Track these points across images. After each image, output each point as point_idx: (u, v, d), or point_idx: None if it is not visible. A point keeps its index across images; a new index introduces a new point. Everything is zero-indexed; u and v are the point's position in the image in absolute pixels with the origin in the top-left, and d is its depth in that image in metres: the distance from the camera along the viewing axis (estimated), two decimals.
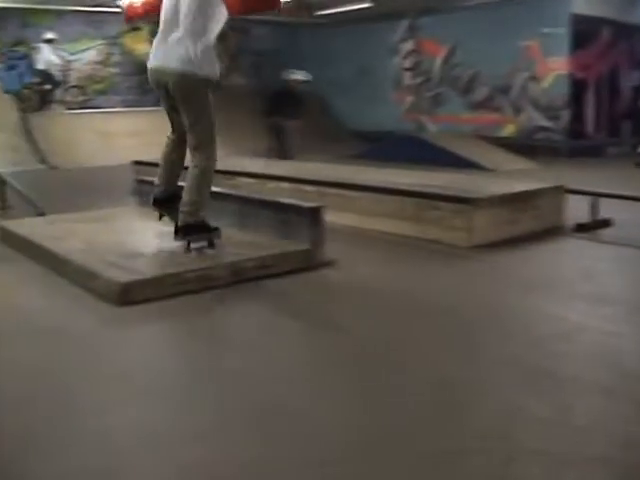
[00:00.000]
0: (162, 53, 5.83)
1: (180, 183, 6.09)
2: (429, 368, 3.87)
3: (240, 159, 11.45)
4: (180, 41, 5.65)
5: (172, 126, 6.18)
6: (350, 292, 5.46)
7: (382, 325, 4.65)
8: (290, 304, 5.19)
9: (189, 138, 5.86)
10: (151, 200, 6.35)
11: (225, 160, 12.01)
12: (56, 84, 18.24)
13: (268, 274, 5.60)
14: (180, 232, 5.81)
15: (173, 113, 6.01)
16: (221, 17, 5.71)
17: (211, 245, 5.84)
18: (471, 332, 4.50)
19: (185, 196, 5.78)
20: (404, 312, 4.93)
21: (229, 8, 5.74)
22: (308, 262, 5.86)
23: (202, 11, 5.64)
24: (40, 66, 17.89)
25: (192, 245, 5.82)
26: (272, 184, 8.64)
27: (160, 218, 6.34)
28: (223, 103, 19.61)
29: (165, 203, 6.22)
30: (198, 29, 5.63)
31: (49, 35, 17.69)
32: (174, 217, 5.91)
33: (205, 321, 4.81)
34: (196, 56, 5.59)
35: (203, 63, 5.65)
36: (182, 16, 5.67)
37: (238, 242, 6.08)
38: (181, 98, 5.74)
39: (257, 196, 7.03)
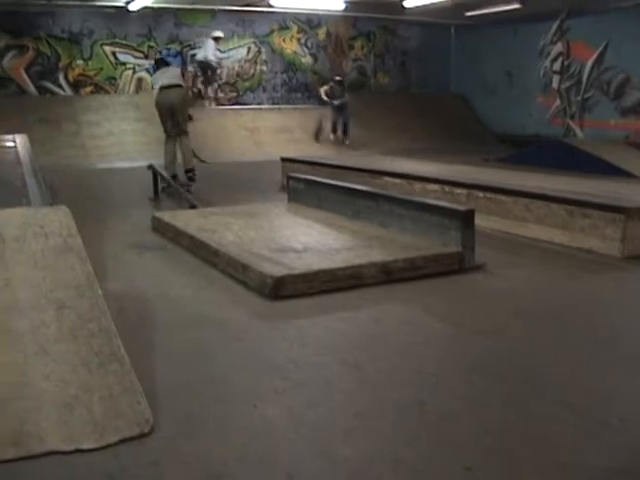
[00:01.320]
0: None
1: None
2: (580, 379, 3.79)
3: (386, 158, 11.48)
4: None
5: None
6: (500, 297, 5.40)
7: (534, 331, 4.58)
8: (439, 306, 5.15)
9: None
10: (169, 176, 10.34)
11: (370, 159, 12.18)
12: (214, 74, 18.77)
13: (418, 275, 5.60)
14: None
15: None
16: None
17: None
18: (621, 344, 4.39)
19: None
20: (555, 321, 4.84)
21: None
22: (458, 265, 5.83)
23: None
24: (199, 58, 18.47)
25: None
26: (419, 185, 8.62)
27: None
28: (367, 103, 19.91)
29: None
30: None
31: (217, 33, 18.20)
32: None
33: (355, 319, 4.84)
34: None
35: None
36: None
37: (388, 242, 6.11)
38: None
39: (407, 196, 7.04)
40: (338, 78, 18.75)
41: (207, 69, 18.51)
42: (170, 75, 11.06)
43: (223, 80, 19.39)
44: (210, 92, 18.94)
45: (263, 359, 4.06)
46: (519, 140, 18.06)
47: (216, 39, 18.25)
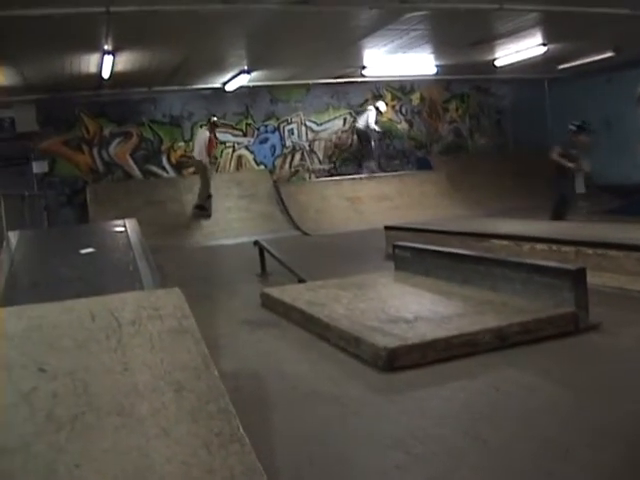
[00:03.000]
0: None
1: None
2: None
3: (489, 220, 11.37)
4: None
5: None
6: (620, 357, 5.21)
7: None
8: (558, 370, 5.01)
9: None
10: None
11: (474, 222, 12.07)
12: (368, 144, 19.35)
13: (532, 338, 5.48)
14: None
15: None
16: None
17: None
18: None
19: None
20: None
21: None
22: (573, 326, 5.68)
23: None
24: (360, 126, 19.13)
25: None
26: (527, 245, 8.49)
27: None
28: (466, 165, 19.84)
29: None
30: None
31: (380, 104, 19.49)
32: None
33: (472, 388, 4.75)
34: None
35: None
36: None
37: (500, 306, 6.02)
38: None
39: (515, 259, 6.95)
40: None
41: (365, 137, 18.92)
42: None
43: (321, 152, 19.72)
44: (372, 164, 19.38)
45: (382, 433, 4.01)
46: (625, 190, 17.69)
47: (377, 108, 18.75)
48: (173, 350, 4.70)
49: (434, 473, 3.45)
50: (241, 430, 3.69)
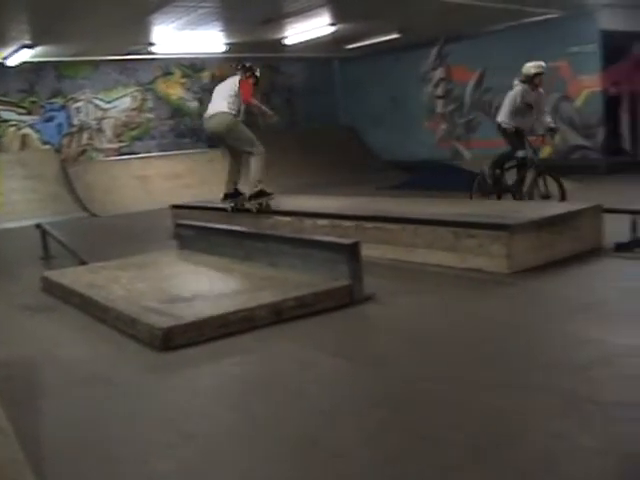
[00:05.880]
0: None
1: None
2: (469, 400, 3.84)
3: (275, 197, 11.48)
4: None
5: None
6: (390, 326, 5.46)
7: (422, 358, 4.63)
8: (332, 341, 5.17)
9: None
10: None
11: None
12: None
13: (309, 312, 5.61)
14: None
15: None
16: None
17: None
18: (511, 361, 4.47)
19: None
20: (444, 344, 4.91)
21: None
22: (349, 298, 5.85)
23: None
24: None
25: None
26: (310, 221, 8.66)
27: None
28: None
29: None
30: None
31: None
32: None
33: (247, 363, 4.81)
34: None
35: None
36: None
37: (279, 282, 6.11)
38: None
39: (293, 235, 7.08)
40: None
41: None
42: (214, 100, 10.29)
43: (109, 130, 19.24)
44: None
45: (154, 413, 4.00)
46: (411, 166, 18.39)
47: None
48: None
49: (203, 449, 3.46)
50: (4, 421, 3.58)
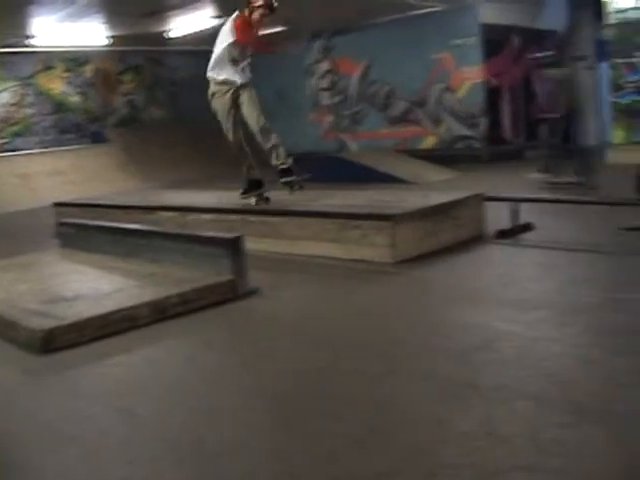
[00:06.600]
0: None
1: None
2: (352, 390, 3.90)
3: (161, 192, 11.38)
4: None
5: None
6: (273, 319, 5.50)
7: (305, 350, 4.66)
8: (214, 337, 5.18)
9: None
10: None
11: (144, 194, 12.02)
12: None
13: (192, 308, 5.58)
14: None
15: None
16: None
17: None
18: (395, 349, 4.54)
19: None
20: (327, 335, 4.95)
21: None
22: (232, 293, 5.85)
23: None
24: None
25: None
26: (193, 216, 8.58)
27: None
28: (142, 137, 19.73)
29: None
30: None
31: None
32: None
33: (129, 363, 4.75)
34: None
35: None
36: None
37: (161, 279, 6.06)
38: None
39: (175, 230, 7.02)
40: None
41: None
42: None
43: None
44: None
45: (32, 418, 3.90)
46: (297, 158, 18.39)
47: None
48: None
49: (82, 452, 3.40)
50: None
